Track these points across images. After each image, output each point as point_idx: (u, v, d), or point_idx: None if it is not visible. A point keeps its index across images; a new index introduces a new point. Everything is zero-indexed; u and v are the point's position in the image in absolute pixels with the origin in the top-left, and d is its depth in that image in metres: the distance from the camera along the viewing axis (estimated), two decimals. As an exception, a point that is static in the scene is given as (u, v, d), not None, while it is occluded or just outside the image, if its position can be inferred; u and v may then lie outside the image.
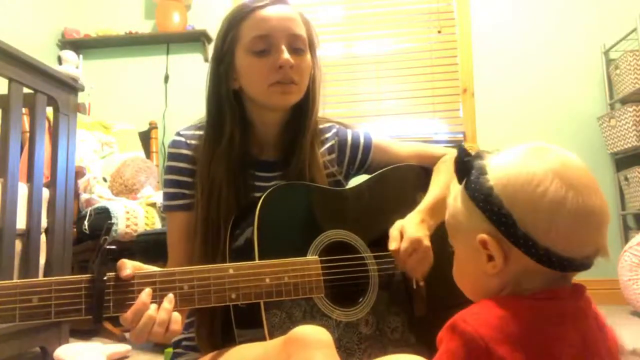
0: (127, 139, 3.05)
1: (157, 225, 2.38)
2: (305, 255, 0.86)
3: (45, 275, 1.76)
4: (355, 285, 0.91)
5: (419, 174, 1.07)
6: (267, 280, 0.79)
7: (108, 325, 2.16)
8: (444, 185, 1.00)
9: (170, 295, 0.72)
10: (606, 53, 2.99)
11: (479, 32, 3.17)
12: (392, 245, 0.90)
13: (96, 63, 3.44)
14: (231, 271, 0.77)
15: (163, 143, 3.26)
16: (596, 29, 3.04)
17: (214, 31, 3.31)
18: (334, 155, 1.07)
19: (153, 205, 2.43)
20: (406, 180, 1.06)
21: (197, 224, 0.92)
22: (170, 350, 1.10)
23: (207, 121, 0.98)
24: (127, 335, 2.06)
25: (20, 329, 1.62)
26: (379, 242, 0.94)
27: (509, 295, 0.55)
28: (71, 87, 1.96)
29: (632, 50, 2.72)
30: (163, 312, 0.70)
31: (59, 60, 3.26)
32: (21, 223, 1.67)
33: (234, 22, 0.95)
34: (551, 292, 0.53)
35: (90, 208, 2.28)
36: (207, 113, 0.98)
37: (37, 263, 1.72)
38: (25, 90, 1.73)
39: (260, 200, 0.86)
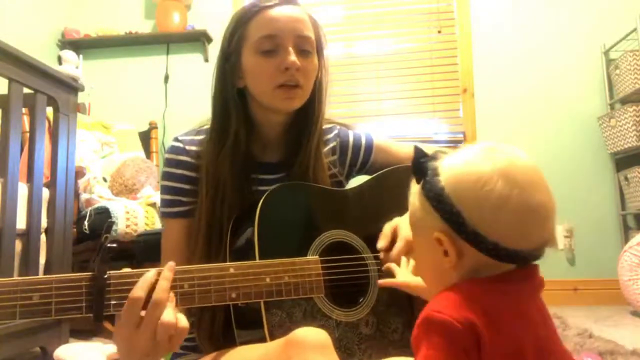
0: (127, 139, 3.05)
1: (157, 225, 2.38)
2: (305, 255, 0.86)
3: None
4: (355, 285, 0.91)
5: None
6: (268, 279, 0.79)
7: (108, 325, 2.15)
8: None
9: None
10: (606, 53, 2.99)
11: (479, 32, 3.17)
12: (381, 243, 0.90)
13: (96, 63, 3.44)
14: (232, 270, 0.77)
15: (163, 143, 3.26)
16: (596, 29, 3.04)
17: (214, 31, 3.33)
18: (335, 156, 1.07)
19: (153, 205, 2.43)
20: (406, 181, 1.06)
21: (201, 224, 0.92)
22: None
23: (212, 120, 0.98)
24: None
25: (20, 329, 1.62)
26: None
27: (467, 281, 0.58)
28: (71, 87, 1.96)
29: (632, 50, 2.72)
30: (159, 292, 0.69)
31: (59, 60, 3.26)
32: (21, 223, 1.67)
33: (242, 21, 0.94)
34: (504, 275, 0.57)
35: (90, 208, 2.27)
36: (212, 111, 0.98)
37: (37, 263, 1.72)
38: (25, 90, 1.73)
39: (261, 201, 0.86)
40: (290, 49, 0.91)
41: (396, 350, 0.88)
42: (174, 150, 0.98)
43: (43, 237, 1.78)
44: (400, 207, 0.97)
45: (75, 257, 2.08)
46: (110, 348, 1.91)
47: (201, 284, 0.74)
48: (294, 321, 0.80)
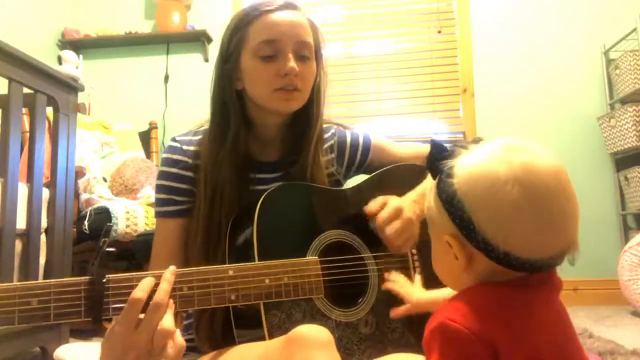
0: (127, 139, 3.05)
1: (157, 225, 2.38)
2: (304, 256, 0.86)
3: (45, 276, 1.76)
4: (354, 285, 0.91)
5: (417, 173, 1.07)
6: (267, 281, 0.79)
7: (108, 326, 2.16)
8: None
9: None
10: (606, 53, 2.99)
11: (479, 32, 3.17)
12: (370, 205, 0.90)
13: (96, 63, 3.44)
14: (231, 272, 0.77)
15: (163, 143, 3.26)
16: (596, 29, 3.04)
17: (214, 31, 3.33)
18: (333, 155, 1.07)
19: (153, 205, 2.42)
20: (404, 180, 1.07)
21: (199, 224, 0.92)
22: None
23: (211, 120, 0.98)
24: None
25: (20, 329, 1.62)
26: (378, 242, 0.94)
27: (482, 285, 0.55)
28: (71, 87, 1.96)
29: (632, 50, 2.72)
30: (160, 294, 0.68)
31: (59, 60, 3.26)
32: (21, 223, 1.67)
33: (242, 24, 0.94)
34: (520, 279, 0.54)
35: (90, 208, 2.27)
36: (211, 112, 0.98)
37: (37, 263, 1.72)
38: (25, 90, 1.72)
39: (260, 201, 0.86)
40: (290, 54, 0.91)
41: (395, 350, 0.88)
42: (170, 150, 0.98)
43: (43, 237, 1.78)
44: None
45: (75, 257, 2.08)
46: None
47: (200, 286, 0.74)
48: (294, 322, 0.80)
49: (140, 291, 0.67)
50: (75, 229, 2.16)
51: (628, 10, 2.95)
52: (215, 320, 0.87)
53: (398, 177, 1.06)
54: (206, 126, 1.00)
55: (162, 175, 0.98)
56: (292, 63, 0.90)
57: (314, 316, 0.83)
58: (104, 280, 0.68)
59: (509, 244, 0.52)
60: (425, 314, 0.93)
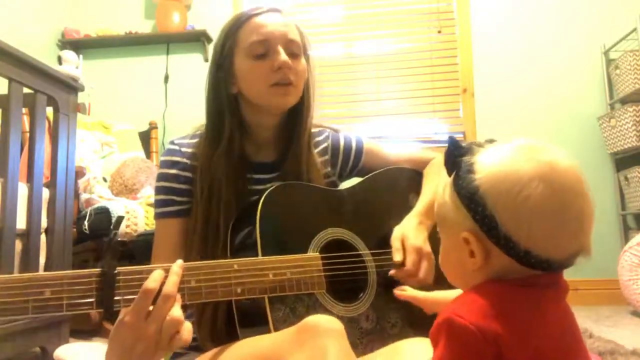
0: (127, 139, 3.05)
1: (157, 225, 2.37)
2: (306, 252, 0.88)
3: (45, 275, 1.76)
4: (354, 281, 0.93)
5: (410, 176, 1.12)
6: (271, 275, 0.81)
7: (108, 325, 2.16)
8: (436, 187, 1.02)
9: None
10: (606, 53, 2.99)
11: (479, 32, 3.17)
12: (397, 257, 0.93)
13: (96, 63, 3.44)
14: (235, 267, 0.79)
15: (163, 143, 3.26)
16: (596, 29, 3.05)
17: (214, 31, 3.33)
18: (327, 157, 1.11)
19: (153, 205, 2.43)
20: (399, 181, 1.11)
21: (197, 224, 0.93)
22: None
23: (206, 123, 1.01)
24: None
25: (21, 328, 1.62)
26: (376, 240, 0.98)
27: (492, 283, 0.55)
28: (71, 87, 1.96)
29: (632, 50, 2.72)
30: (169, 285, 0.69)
31: (59, 60, 3.26)
32: (21, 223, 1.67)
33: (233, 29, 0.98)
34: (530, 279, 0.54)
35: (90, 208, 2.27)
36: (206, 116, 1.01)
37: (37, 263, 1.72)
38: (25, 90, 1.73)
39: (262, 200, 0.89)
40: (281, 49, 0.95)
41: None
42: (169, 152, 1.01)
43: (43, 237, 1.78)
44: (393, 206, 1.04)
45: (75, 257, 2.08)
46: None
47: (207, 279, 0.76)
48: (298, 316, 0.82)
49: (152, 281, 0.68)
50: (75, 229, 2.16)
51: (628, 10, 2.95)
52: (217, 318, 0.88)
53: (391, 178, 1.10)
54: (203, 129, 1.03)
55: (161, 177, 1.00)
56: (285, 56, 0.95)
57: (317, 310, 0.85)
58: (115, 272, 0.70)
59: (531, 242, 0.52)
60: (423, 311, 0.95)
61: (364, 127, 3.24)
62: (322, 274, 0.87)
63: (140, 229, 2.27)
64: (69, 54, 3.20)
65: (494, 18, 3.17)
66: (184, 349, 0.97)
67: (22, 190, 1.69)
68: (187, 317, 0.95)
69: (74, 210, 2.02)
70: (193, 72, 3.36)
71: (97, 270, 0.69)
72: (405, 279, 0.92)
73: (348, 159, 1.13)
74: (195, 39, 3.38)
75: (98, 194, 2.42)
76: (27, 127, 2.16)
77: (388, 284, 0.95)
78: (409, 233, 0.95)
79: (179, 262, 0.73)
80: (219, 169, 0.95)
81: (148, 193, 2.55)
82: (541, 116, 3.05)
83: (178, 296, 0.70)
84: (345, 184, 1.10)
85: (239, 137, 0.98)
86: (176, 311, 0.68)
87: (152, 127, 3.25)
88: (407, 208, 1.02)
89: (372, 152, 1.15)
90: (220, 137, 0.97)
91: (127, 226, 2.23)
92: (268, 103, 0.97)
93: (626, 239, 2.77)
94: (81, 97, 3.01)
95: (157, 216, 1.00)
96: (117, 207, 2.27)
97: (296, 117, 1.02)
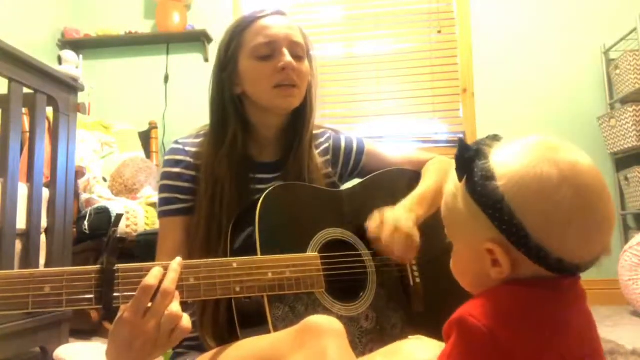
0: (127, 139, 3.05)
1: (157, 225, 2.38)
2: (305, 252, 0.89)
3: (45, 275, 1.76)
4: (354, 281, 0.93)
5: (410, 177, 1.12)
6: (270, 274, 0.81)
7: (107, 325, 2.16)
8: (431, 181, 1.04)
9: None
10: (606, 53, 2.99)
11: (479, 32, 3.17)
12: (371, 224, 0.93)
13: (96, 63, 3.44)
14: (235, 265, 0.79)
15: (163, 143, 3.27)
16: (596, 29, 3.05)
17: (214, 31, 3.33)
18: (328, 157, 1.12)
19: (153, 205, 2.43)
20: (398, 182, 1.11)
21: (200, 222, 0.94)
22: (170, 350, 1.10)
23: (210, 124, 1.02)
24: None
25: (21, 328, 1.62)
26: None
27: (510, 285, 0.53)
28: (71, 87, 1.96)
29: (632, 50, 2.72)
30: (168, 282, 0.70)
31: (59, 60, 3.25)
32: (21, 223, 1.67)
33: (237, 31, 1.00)
34: (548, 282, 0.52)
35: (90, 208, 2.27)
36: (210, 116, 1.02)
37: (37, 263, 1.72)
38: (25, 90, 1.72)
39: (261, 199, 0.89)
40: (285, 51, 0.97)
41: None
42: (172, 151, 1.02)
43: (43, 237, 1.78)
44: (393, 207, 1.00)
45: (75, 257, 2.08)
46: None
47: (206, 277, 0.76)
48: (297, 315, 0.82)
49: (152, 278, 0.69)
50: (75, 229, 2.17)
51: (628, 10, 2.94)
52: (219, 319, 0.89)
53: (391, 179, 1.11)
54: (207, 129, 1.04)
55: (165, 175, 1.01)
56: (289, 57, 0.96)
57: (317, 310, 0.85)
58: (114, 269, 0.70)
59: (563, 248, 0.50)
60: (423, 312, 0.95)
61: (364, 127, 3.24)
62: (321, 273, 0.87)
63: (140, 228, 2.27)
64: (69, 54, 3.20)
65: (494, 18, 3.17)
66: (185, 349, 0.97)
67: (22, 190, 1.69)
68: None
69: (74, 210, 2.02)
70: (193, 72, 3.35)
71: (97, 267, 0.70)
72: (384, 253, 0.93)
73: (349, 160, 1.14)
74: (195, 39, 3.38)
75: (98, 194, 2.42)
76: (27, 127, 2.16)
77: (388, 284, 0.95)
78: (389, 210, 0.94)
79: (178, 259, 0.74)
80: (223, 169, 0.96)
81: (148, 193, 2.55)
82: (541, 116, 3.05)
83: (177, 293, 0.71)
84: (346, 186, 1.11)
85: (242, 137, 0.99)
86: (175, 307, 0.69)
87: (152, 127, 3.25)
88: None
89: (373, 153, 1.16)
90: (224, 137, 0.98)
91: (127, 226, 2.23)
92: (272, 104, 0.98)
93: (626, 239, 2.77)
94: (81, 97, 3.00)
95: (161, 214, 1.01)
96: (117, 207, 2.27)
97: (299, 118, 1.04)
